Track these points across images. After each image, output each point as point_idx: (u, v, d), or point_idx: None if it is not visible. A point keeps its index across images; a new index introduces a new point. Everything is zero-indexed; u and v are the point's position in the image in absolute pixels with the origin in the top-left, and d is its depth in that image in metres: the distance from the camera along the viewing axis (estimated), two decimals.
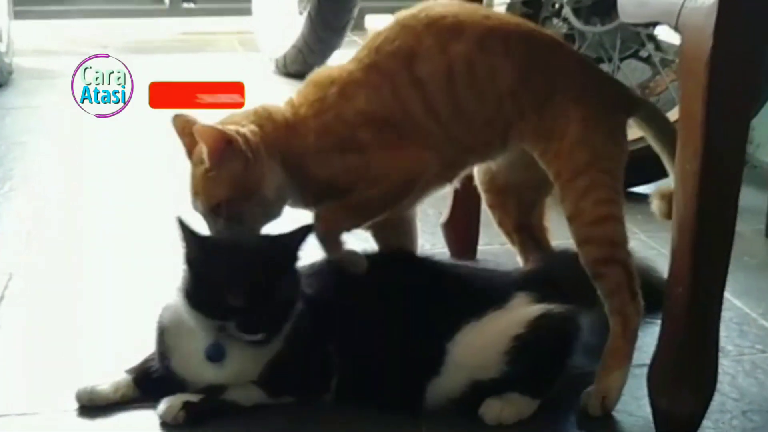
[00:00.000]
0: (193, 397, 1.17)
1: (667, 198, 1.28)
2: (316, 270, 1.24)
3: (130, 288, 1.57)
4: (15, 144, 2.52)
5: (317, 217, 1.23)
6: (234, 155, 1.16)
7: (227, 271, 1.13)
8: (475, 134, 1.27)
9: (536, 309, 1.19)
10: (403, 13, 1.27)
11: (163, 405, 1.17)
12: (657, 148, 1.30)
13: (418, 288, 1.23)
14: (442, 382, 1.19)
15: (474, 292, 1.23)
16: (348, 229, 1.24)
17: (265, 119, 1.22)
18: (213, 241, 1.17)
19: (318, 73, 1.28)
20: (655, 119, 1.30)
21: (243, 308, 1.12)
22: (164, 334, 1.20)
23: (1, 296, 1.55)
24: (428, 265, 1.32)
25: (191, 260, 1.15)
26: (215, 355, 1.16)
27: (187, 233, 1.14)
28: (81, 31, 4.38)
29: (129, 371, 1.24)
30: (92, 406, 1.20)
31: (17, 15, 3.64)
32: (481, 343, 1.18)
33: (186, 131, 1.21)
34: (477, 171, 1.42)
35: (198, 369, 1.18)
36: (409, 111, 1.23)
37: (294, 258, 1.18)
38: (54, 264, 1.71)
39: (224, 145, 1.16)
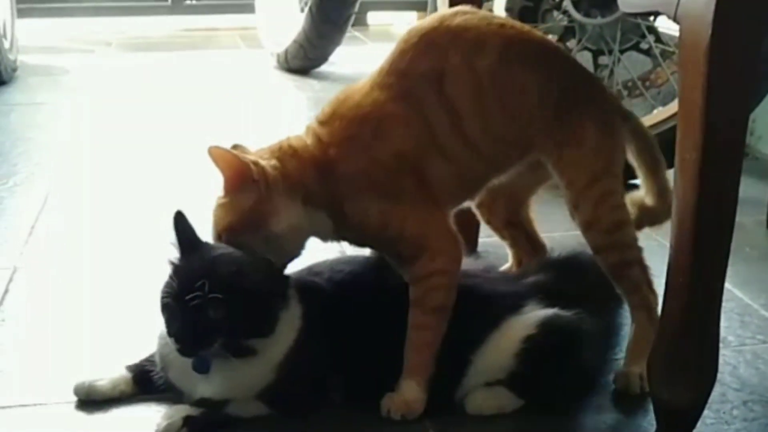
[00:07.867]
0: (194, 411, 1.15)
1: (638, 206, 1.33)
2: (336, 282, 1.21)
3: (133, 284, 1.57)
4: (19, 140, 2.52)
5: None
6: (247, 187, 1.13)
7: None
8: (502, 151, 1.24)
9: (546, 312, 1.20)
10: (423, 27, 1.22)
11: (163, 420, 1.13)
12: (636, 162, 1.32)
13: None
14: (462, 389, 1.19)
15: (492, 302, 1.22)
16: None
17: (289, 156, 1.18)
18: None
19: (344, 103, 1.21)
20: (638, 134, 1.31)
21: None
22: (164, 346, 1.17)
23: (5, 290, 1.56)
24: None
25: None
26: (200, 366, 1.13)
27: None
28: (84, 28, 4.40)
29: (129, 368, 1.23)
30: (89, 400, 1.20)
31: (21, 13, 3.65)
32: (497, 348, 1.18)
33: (221, 162, 1.15)
34: None
35: (193, 384, 1.16)
36: (437, 135, 1.18)
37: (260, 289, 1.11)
38: (58, 259, 1.71)
39: (240, 173, 1.13)
